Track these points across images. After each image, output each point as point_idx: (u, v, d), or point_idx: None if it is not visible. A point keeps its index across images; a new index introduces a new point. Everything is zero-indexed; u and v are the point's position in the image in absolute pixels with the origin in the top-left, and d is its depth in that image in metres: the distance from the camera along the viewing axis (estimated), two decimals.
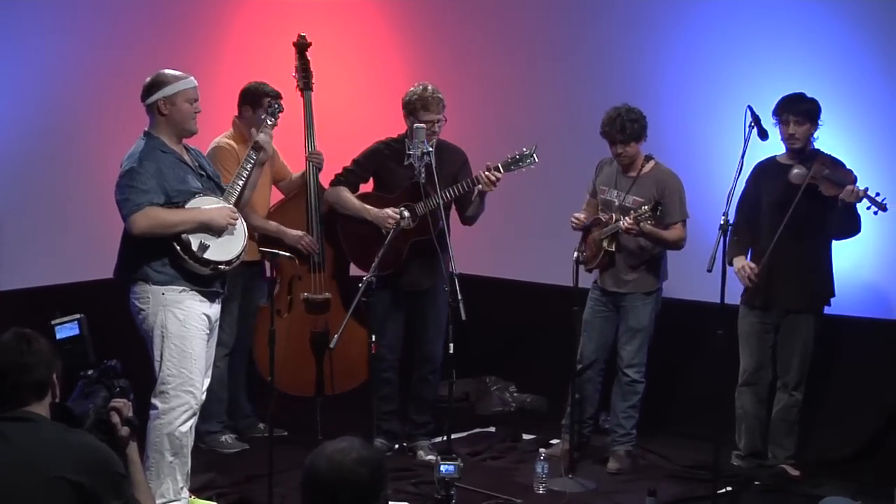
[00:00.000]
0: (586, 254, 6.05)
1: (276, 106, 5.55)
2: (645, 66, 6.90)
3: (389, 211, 6.06)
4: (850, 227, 5.78)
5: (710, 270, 5.31)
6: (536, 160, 5.93)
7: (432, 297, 6.18)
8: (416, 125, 5.74)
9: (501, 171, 5.92)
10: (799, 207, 5.68)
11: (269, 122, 5.42)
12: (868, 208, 5.63)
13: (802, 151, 5.83)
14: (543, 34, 7.33)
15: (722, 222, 5.30)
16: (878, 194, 5.60)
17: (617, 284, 6.08)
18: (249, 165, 5.26)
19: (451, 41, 7.62)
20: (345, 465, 2.76)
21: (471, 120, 6.97)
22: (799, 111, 5.79)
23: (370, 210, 6.15)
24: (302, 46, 6.52)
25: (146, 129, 5.09)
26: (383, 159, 6.24)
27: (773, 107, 5.82)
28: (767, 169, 5.95)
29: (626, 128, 5.88)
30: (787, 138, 5.84)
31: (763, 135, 5.54)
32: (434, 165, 5.65)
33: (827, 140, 5.96)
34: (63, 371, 3.29)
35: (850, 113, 6.23)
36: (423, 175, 5.70)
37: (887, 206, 5.58)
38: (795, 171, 5.79)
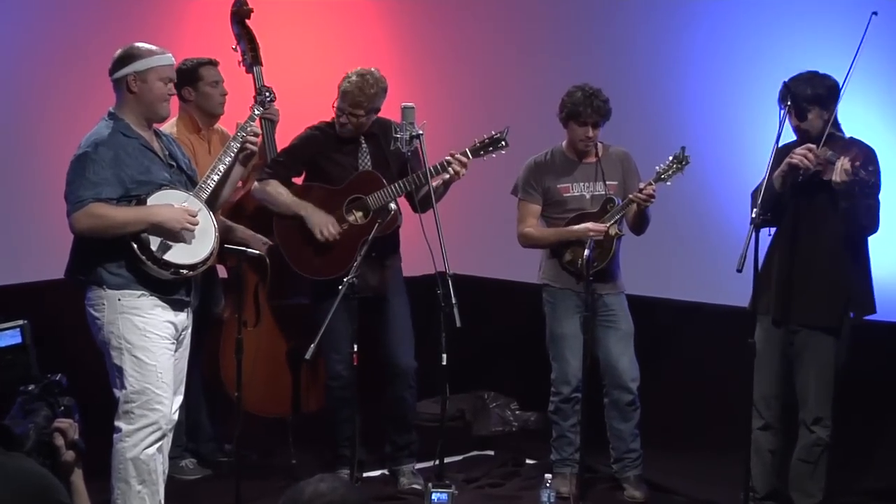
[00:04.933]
0: (598, 251, 5.85)
1: (268, 94, 5.49)
2: (668, 47, 6.88)
3: (331, 226, 5.90)
4: (859, 217, 5.34)
5: (739, 270, 5.18)
6: (507, 144, 5.86)
7: (389, 301, 6.04)
8: (404, 104, 5.56)
9: (470, 156, 5.84)
10: (801, 201, 5.33)
11: (258, 112, 5.34)
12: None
13: (820, 141, 5.40)
14: (547, 12, 7.34)
15: (753, 216, 5.16)
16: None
17: (609, 285, 6.00)
18: (228, 158, 5.09)
19: (443, 20, 7.60)
20: None
21: (462, 109, 7.02)
22: (806, 97, 5.42)
23: (307, 207, 5.96)
24: (242, 14, 6.29)
25: (111, 108, 4.97)
26: (319, 147, 6.06)
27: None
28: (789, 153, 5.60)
29: (601, 108, 5.91)
30: (795, 128, 5.50)
31: (801, 115, 5.40)
32: (382, 145, 5.72)
33: (870, 118, 5.85)
34: (0, 385, 3.30)
35: None
36: (410, 158, 5.65)
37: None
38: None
